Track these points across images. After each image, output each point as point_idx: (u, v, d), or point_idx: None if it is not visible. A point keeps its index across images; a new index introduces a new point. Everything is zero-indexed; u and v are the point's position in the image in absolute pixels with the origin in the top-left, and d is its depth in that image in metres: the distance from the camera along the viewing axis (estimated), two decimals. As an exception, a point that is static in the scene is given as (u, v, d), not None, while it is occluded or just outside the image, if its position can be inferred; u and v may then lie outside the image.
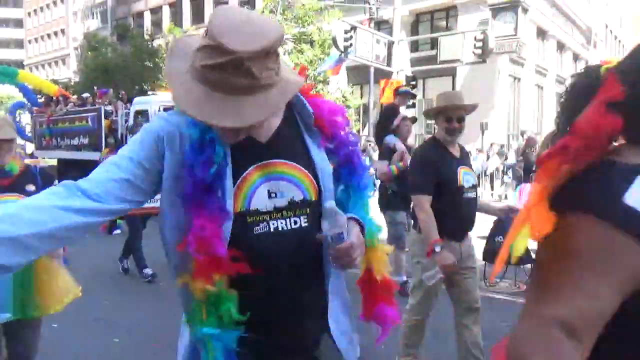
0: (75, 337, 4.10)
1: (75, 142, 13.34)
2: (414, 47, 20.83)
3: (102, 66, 23.93)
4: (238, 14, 1.10)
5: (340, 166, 1.34)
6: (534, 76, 21.86)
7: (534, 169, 7.21)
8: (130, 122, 11.82)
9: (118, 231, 8.85)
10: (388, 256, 1.46)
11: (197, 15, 30.78)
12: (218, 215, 1.18)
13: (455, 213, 2.92)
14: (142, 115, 11.63)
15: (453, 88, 19.10)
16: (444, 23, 20.89)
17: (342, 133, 1.35)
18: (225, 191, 1.19)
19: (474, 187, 3.04)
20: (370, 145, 13.04)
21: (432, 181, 2.92)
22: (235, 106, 1.07)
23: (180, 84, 1.10)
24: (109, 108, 12.57)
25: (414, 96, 6.23)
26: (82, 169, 15.87)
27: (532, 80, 21.70)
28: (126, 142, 7.28)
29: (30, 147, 16.76)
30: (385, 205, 5.09)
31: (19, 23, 57.51)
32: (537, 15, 20.55)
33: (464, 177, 2.96)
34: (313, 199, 1.27)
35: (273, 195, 1.24)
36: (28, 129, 17.30)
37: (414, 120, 5.55)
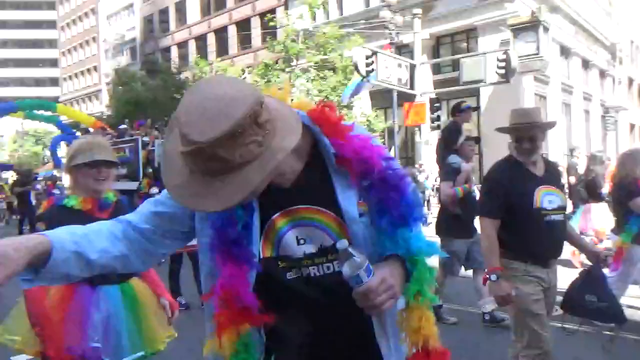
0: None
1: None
2: (436, 69, 20.93)
3: (132, 100, 24.78)
4: (202, 96, 1.01)
5: (376, 205, 1.21)
6: (560, 94, 21.60)
7: (603, 188, 6.75)
8: None
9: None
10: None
11: (222, 48, 31.73)
12: (244, 264, 1.17)
13: (536, 237, 2.66)
14: None
15: (477, 109, 19.02)
16: (464, 45, 20.98)
17: (377, 169, 1.19)
18: (252, 239, 1.18)
19: (561, 209, 2.73)
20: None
21: (499, 204, 2.73)
22: (214, 188, 1.01)
23: (170, 165, 1.08)
24: (146, 139, 12.80)
25: (476, 109, 5.85)
26: None
27: (559, 98, 21.45)
28: (158, 172, 7.50)
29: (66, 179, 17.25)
30: (443, 231, 4.80)
31: (54, 62, 60.31)
32: (559, 33, 20.45)
33: (545, 197, 2.68)
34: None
35: (302, 241, 1.20)
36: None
37: (477, 140, 5.24)
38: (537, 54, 15.99)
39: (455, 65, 17.92)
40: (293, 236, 1.20)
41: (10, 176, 26.38)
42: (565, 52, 22.31)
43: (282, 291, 1.20)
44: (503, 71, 14.51)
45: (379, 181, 1.20)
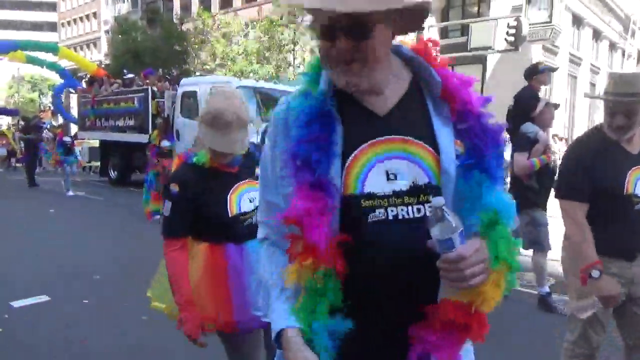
0: (107, 315, 4.24)
1: (120, 123, 13.21)
2: (444, 33, 20.44)
3: (132, 49, 24.24)
4: None
5: (467, 152, 1.08)
6: (568, 65, 21.23)
7: None
8: (178, 105, 11.47)
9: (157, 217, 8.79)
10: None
11: (226, 0, 30.81)
12: (323, 197, 1.04)
13: (622, 228, 2.23)
14: (190, 97, 11.27)
15: (483, 77, 18.71)
16: (475, 9, 20.41)
17: (477, 112, 1.09)
18: (334, 171, 1.05)
19: None
20: None
21: (587, 185, 2.25)
22: None
23: None
24: (155, 89, 12.40)
25: (554, 70, 5.17)
26: (125, 150, 15.43)
27: (566, 70, 21.10)
28: (173, 125, 7.42)
29: (74, 128, 16.81)
30: (523, 202, 4.35)
31: (52, 6, 58.64)
32: (573, 1, 19.89)
33: (639, 182, 2.21)
34: (439, 184, 1.06)
35: (392, 176, 1.05)
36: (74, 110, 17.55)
37: (557, 106, 4.75)
38: (549, 22, 15.61)
39: (465, 30, 17.51)
40: (382, 170, 1.06)
41: (7, 123, 26.03)
42: (577, 21, 21.76)
43: (362, 235, 1.04)
44: (513, 38, 14.17)
45: (477, 126, 1.08)
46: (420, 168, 1.06)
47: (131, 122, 12.92)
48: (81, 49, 49.43)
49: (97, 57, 41.49)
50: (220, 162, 2.08)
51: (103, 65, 27.24)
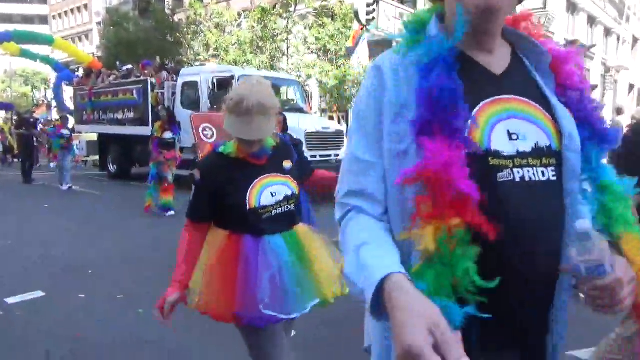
0: (103, 309, 4.24)
1: (119, 116, 12.98)
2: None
3: (124, 41, 24.02)
4: None
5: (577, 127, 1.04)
6: (563, 51, 21.21)
7: None
8: (178, 96, 11.39)
9: (172, 212, 8.30)
10: None
11: (218, -11, 30.47)
12: (462, 148, 0.93)
13: None
14: (191, 87, 11.16)
15: (592, 47, 18.30)
16: (469, -4, 20.32)
17: (580, 86, 1.07)
18: (459, 126, 0.97)
19: None
20: None
21: None
22: None
23: None
24: (153, 80, 12.23)
25: (590, 48, 4.66)
26: (124, 144, 15.14)
27: (561, 56, 21.08)
28: (174, 115, 7.14)
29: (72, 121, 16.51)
30: None
31: (43, -1, 58.01)
32: (567, -13, 19.80)
33: None
34: (559, 149, 1.01)
35: (514, 136, 0.99)
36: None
37: (594, 87, 4.48)
38: (544, 8, 15.56)
39: (458, 17, 17.43)
40: (504, 129, 0.99)
41: (3, 117, 25.79)
42: (571, 7, 21.69)
43: (491, 195, 0.93)
44: (507, 25, 14.13)
45: (581, 100, 1.06)
46: (541, 130, 1.01)
47: (131, 115, 12.69)
48: (73, 41, 48.83)
49: (89, 49, 41.06)
50: (246, 152, 2.05)
51: (96, 57, 27.02)
